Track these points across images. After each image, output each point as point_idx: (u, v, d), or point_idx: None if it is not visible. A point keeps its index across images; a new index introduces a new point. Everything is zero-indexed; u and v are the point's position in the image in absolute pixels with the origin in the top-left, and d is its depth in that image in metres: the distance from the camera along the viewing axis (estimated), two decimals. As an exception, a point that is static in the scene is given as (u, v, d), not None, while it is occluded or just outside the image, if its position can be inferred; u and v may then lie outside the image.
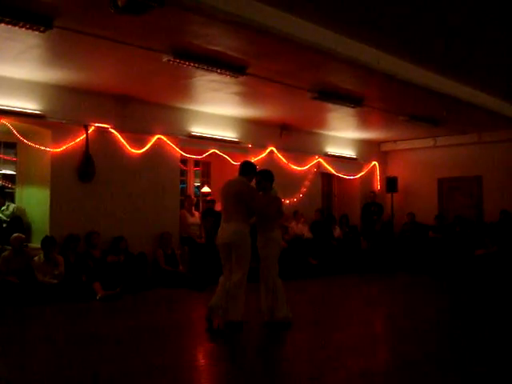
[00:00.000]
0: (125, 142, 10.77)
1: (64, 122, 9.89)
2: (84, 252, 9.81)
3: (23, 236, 9.31)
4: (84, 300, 8.86)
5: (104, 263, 9.73)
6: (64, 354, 5.81)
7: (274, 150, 13.65)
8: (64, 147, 9.95)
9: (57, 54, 8.33)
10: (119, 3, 5.92)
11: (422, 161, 16.41)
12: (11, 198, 10.20)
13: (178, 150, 11.69)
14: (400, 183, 15.98)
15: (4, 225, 9.60)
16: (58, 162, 9.89)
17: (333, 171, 15.20)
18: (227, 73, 8.71)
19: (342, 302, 9.64)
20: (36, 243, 9.59)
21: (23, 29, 6.73)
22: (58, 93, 9.85)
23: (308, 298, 10.06)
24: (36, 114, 9.56)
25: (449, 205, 15.94)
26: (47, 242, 9.25)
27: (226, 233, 6.84)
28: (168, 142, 11.49)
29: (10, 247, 9.12)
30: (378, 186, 16.63)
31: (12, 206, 9.85)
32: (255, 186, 7.28)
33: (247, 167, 7.31)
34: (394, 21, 7.09)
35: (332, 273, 12.55)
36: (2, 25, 6.61)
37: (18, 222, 9.68)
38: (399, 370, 5.30)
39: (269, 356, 5.83)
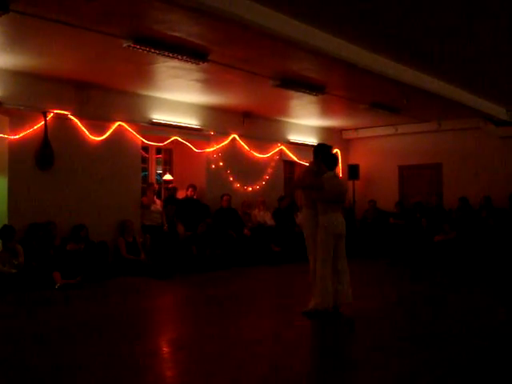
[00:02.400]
0: (84, 129, 10.61)
1: (22, 108, 9.67)
2: (44, 240, 9.64)
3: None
4: (43, 289, 8.75)
5: (63, 251, 9.60)
6: (20, 345, 5.73)
7: (237, 137, 13.62)
8: (22, 134, 9.74)
9: (14, 39, 8.12)
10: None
11: (383, 148, 16.59)
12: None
13: (139, 137, 11.57)
14: (361, 170, 16.13)
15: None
16: (15, 149, 9.69)
17: (295, 159, 15.24)
18: (189, 59, 8.63)
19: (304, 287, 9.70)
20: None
21: (-22, 13, 6.55)
22: (15, 79, 9.62)
23: (269, 284, 10.12)
24: (-8, 100, 9.35)
25: (409, 192, 16.17)
26: (6, 231, 9.09)
27: (341, 223, 7.14)
28: (129, 128, 11.36)
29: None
30: (339, 173, 16.75)
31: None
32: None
33: None
34: (355, 10, 7.09)
35: (295, 260, 12.58)
36: (-44, 8, 6.42)
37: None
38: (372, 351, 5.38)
39: (231, 341, 5.85)
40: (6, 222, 9.41)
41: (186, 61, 8.71)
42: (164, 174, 13.12)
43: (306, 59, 8.96)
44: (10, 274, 8.83)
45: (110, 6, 6.66)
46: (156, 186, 12.47)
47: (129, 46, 7.96)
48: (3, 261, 8.92)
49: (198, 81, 10.50)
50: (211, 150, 13.02)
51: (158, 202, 12.01)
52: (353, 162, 16.55)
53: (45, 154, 9.98)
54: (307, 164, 15.45)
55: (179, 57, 8.49)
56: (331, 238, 7.04)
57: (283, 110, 13.76)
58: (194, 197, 12.65)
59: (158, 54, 8.33)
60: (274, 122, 14.66)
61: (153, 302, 8.51)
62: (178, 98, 11.98)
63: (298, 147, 15.26)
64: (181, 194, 12.79)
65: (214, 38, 7.99)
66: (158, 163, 13.17)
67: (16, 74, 9.60)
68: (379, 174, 16.47)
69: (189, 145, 12.57)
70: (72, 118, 10.41)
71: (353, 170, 15.99)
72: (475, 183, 14.60)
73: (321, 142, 15.66)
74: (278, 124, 14.87)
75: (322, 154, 7.42)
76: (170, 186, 12.79)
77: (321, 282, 6.96)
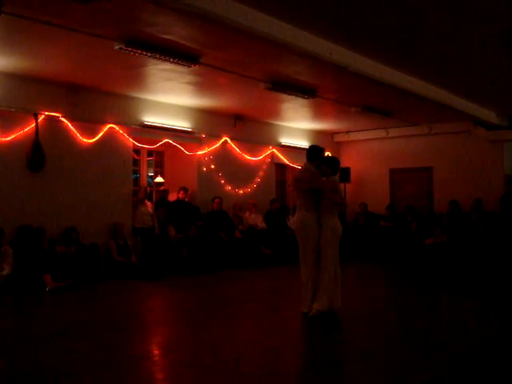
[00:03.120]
0: (76, 131, 10.59)
1: (13, 110, 9.66)
2: (33, 243, 9.60)
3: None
4: (34, 292, 8.72)
5: (54, 254, 9.56)
6: (10, 348, 5.71)
7: (228, 140, 13.64)
8: (13, 136, 9.72)
9: (5, 41, 8.09)
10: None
11: (374, 151, 16.65)
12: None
13: (130, 139, 11.56)
14: (353, 173, 16.18)
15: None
16: (6, 151, 9.65)
17: (287, 162, 15.27)
18: (180, 62, 8.64)
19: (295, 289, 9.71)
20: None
21: (-31, 15, 6.53)
22: (6, 80, 9.60)
23: (260, 286, 10.13)
24: (-17, 101, 9.33)
25: (400, 195, 16.22)
26: (-5, 233, 9.05)
27: None
28: (120, 131, 11.35)
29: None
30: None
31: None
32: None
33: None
34: (346, 13, 7.12)
35: (286, 262, 12.57)
36: None
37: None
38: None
39: (222, 344, 5.85)
40: (-4, 224, 9.39)
41: (178, 63, 8.72)
42: (155, 176, 13.11)
43: (297, 62, 8.98)
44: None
45: (101, 8, 6.65)
46: (149, 189, 12.43)
47: (120, 48, 7.96)
48: (-7, 263, 8.90)
49: (189, 83, 10.51)
50: (203, 152, 13.03)
51: (149, 204, 11.98)
52: (344, 164, 16.54)
53: (36, 156, 9.95)
54: (299, 167, 15.60)
55: (171, 59, 8.50)
56: (339, 240, 7.12)
57: (275, 113, 13.79)
58: (186, 199, 12.64)
59: (150, 56, 8.34)
60: (265, 124, 14.69)
61: (143, 304, 8.49)
62: (169, 100, 11.98)
63: (289, 150, 15.29)
64: (172, 197, 12.78)
65: (206, 41, 8.00)
66: (149, 166, 13.15)
67: (7, 76, 9.57)
68: (370, 177, 16.53)
69: (180, 147, 12.58)
70: (63, 120, 10.39)
71: (344, 173, 16.00)
72: (466, 187, 14.67)
73: (312, 144, 15.75)
74: (270, 127, 14.90)
75: (320, 156, 7.45)
76: (162, 188, 12.78)
77: (329, 283, 6.99)
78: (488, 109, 13.42)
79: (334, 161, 7.52)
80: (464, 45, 8.45)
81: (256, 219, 13.68)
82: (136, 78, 10.17)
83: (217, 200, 12.86)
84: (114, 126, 11.25)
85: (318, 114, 13.87)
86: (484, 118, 13.57)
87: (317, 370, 4.95)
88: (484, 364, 5.12)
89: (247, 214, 13.64)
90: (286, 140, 15.29)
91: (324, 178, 7.24)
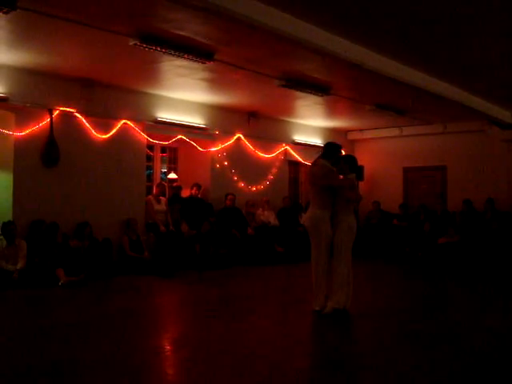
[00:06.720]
0: (90, 127, 10.63)
1: (28, 105, 9.71)
2: (47, 237, 9.65)
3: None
4: (47, 286, 8.77)
5: (67, 248, 9.61)
6: (24, 342, 5.75)
7: (242, 137, 13.64)
8: (28, 131, 9.77)
9: (21, 36, 8.13)
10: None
11: (388, 150, 16.59)
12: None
13: (144, 135, 11.59)
14: (366, 172, 16.10)
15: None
16: (21, 146, 9.71)
17: (300, 159, 15.25)
18: (195, 58, 8.64)
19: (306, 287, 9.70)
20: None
21: (-15, 9, 6.56)
22: (22, 76, 9.65)
23: (271, 284, 10.13)
24: (-1, 96, 9.37)
25: (414, 194, 16.16)
26: (8, 226, 9.09)
27: None
28: (134, 127, 11.37)
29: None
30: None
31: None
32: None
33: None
34: (361, 10, 7.09)
35: (298, 260, 12.55)
36: (-37, 5, 6.43)
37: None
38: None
39: (233, 340, 5.85)
40: (10, 218, 9.44)
41: (192, 60, 8.71)
42: (169, 172, 13.15)
43: (311, 60, 8.95)
44: (13, 272, 8.83)
45: (117, 4, 6.67)
46: (166, 185, 12.45)
47: (135, 44, 7.97)
48: (7, 257, 8.95)
49: (203, 80, 10.51)
50: (216, 149, 13.04)
51: (162, 200, 12.00)
52: (357, 162, 16.50)
53: (50, 151, 9.99)
54: (310, 164, 15.57)
55: (185, 56, 8.50)
56: (354, 237, 7.11)
57: (288, 111, 13.77)
58: (199, 196, 12.66)
59: (165, 52, 8.34)
60: (279, 122, 14.67)
61: (155, 300, 8.53)
62: (183, 96, 11.99)
63: (302, 148, 15.27)
64: (185, 193, 12.80)
65: (221, 38, 8.00)
66: (162, 162, 13.19)
67: (23, 71, 9.62)
68: (384, 176, 16.47)
69: (194, 144, 12.59)
70: (78, 115, 10.43)
71: (358, 171, 15.92)
72: (480, 186, 14.58)
73: (330, 141, 15.74)
74: (283, 124, 14.88)
75: (338, 154, 7.47)
76: (175, 184, 12.81)
77: (343, 281, 6.97)
78: (503, 108, 13.31)
79: (352, 159, 7.55)
80: (480, 44, 8.39)
81: (269, 216, 13.68)
82: (150, 73, 10.18)
83: (230, 197, 12.88)
84: (128, 122, 11.27)
85: (331, 111, 13.83)
86: (499, 118, 13.46)
87: (327, 369, 4.95)
88: (492, 364, 5.09)
89: (260, 210, 13.63)
90: (299, 137, 15.26)
91: (341, 176, 7.24)
